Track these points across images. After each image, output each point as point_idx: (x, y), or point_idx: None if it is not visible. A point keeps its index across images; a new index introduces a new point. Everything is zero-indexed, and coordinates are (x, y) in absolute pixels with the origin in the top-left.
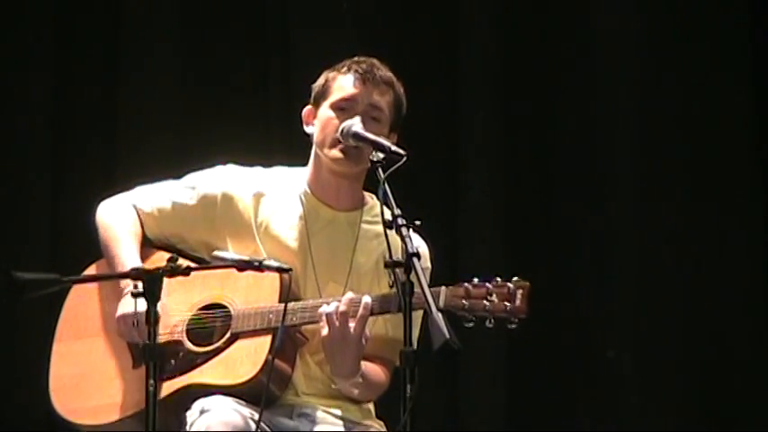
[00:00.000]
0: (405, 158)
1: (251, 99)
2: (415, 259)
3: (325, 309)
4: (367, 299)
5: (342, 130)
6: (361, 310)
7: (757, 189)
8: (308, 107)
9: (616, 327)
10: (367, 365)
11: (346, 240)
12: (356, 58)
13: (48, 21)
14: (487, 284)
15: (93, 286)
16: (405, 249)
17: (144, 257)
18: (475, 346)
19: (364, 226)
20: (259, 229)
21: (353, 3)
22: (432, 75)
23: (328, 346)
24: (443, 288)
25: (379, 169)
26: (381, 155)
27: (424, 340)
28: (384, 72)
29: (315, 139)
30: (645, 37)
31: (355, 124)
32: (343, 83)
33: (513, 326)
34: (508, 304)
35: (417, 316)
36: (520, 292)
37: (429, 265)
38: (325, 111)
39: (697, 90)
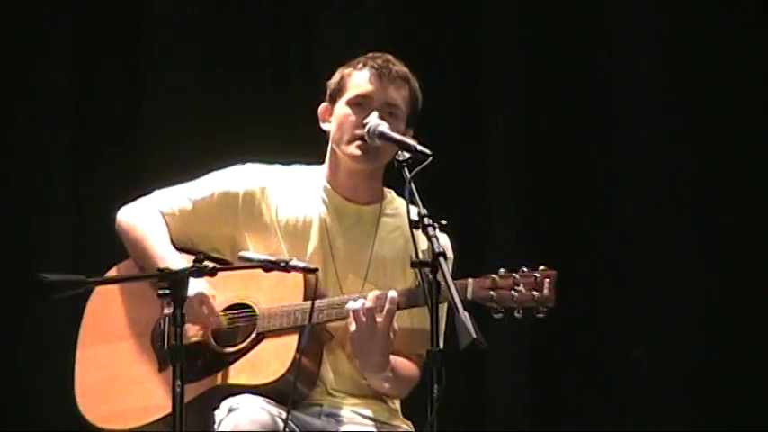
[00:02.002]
0: (431, 158)
1: (272, 99)
2: (441, 259)
3: (351, 305)
4: (393, 293)
5: (368, 130)
6: (387, 305)
7: None
8: (324, 104)
9: (639, 326)
10: (396, 359)
11: (366, 234)
12: (371, 54)
13: (68, 23)
14: (514, 275)
15: (114, 289)
16: (431, 249)
17: None
18: (499, 345)
19: (384, 219)
20: (279, 225)
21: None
22: (456, 72)
23: (356, 342)
24: (470, 280)
25: (405, 169)
26: (407, 154)
27: (450, 338)
28: (399, 67)
29: (331, 135)
30: (666, 41)
31: (381, 124)
32: (358, 79)
33: (542, 315)
34: (536, 293)
35: (442, 309)
36: (547, 280)
37: (451, 255)
38: (341, 107)
39: (718, 93)
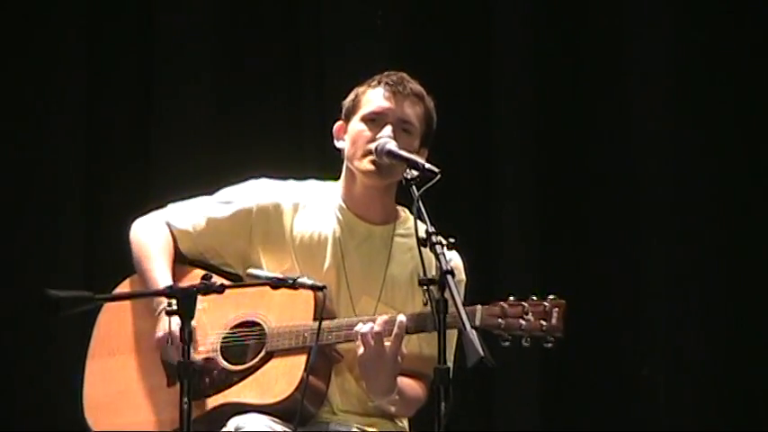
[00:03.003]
0: (439, 176)
1: (284, 114)
2: (449, 277)
3: (360, 328)
4: (402, 318)
5: (376, 148)
6: (396, 330)
7: None
8: (339, 123)
9: (650, 347)
10: (403, 381)
11: (380, 254)
12: (386, 72)
13: (81, 38)
14: (523, 303)
15: (126, 302)
16: (439, 267)
17: (178, 275)
18: (509, 368)
19: (398, 239)
20: (294, 242)
21: (386, 18)
22: (464, 91)
23: (364, 365)
24: (479, 307)
25: (413, 187)
26: (415, 172)
27: (460, 360)
28: (414, 85)
29: (346, 152)
30: (679, 46)
31: (389, 142)
32: (372, 96)
33: (550, 345)
34: (544, 323)
35: (452, 335)
36: (556, 310)
37: (463, 277)
38: (355, 124)
39: (731, 110)
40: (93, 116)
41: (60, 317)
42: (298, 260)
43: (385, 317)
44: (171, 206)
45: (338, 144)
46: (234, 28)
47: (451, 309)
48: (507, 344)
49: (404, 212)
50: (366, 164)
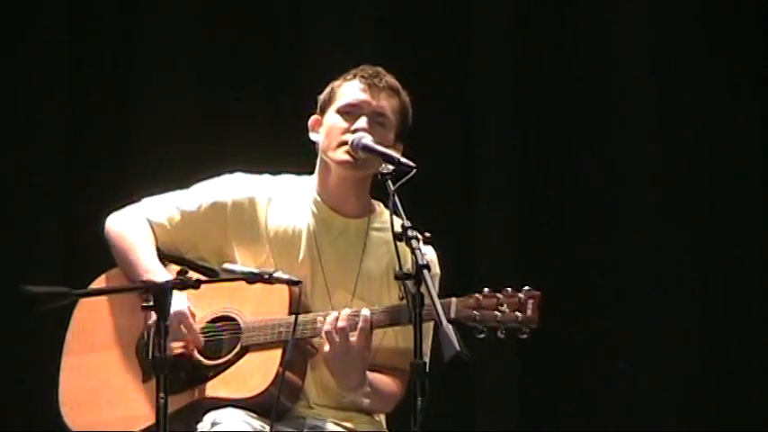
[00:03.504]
0: (414, 170)
1: (263, 108)
2: (425, 271)
3: (324, 325)
4: (366, 312)
5: (352, 143)
6: (360, 323)
7: None
8: (314, 116)
9: (629, 339)
10: (376, 376)
11: (355, 247)
12: (362, 66)
13: (61, 34)
14: (498, 295)
15: (102, 298)
16: (415, 261)
17: None
18: (488, 359)
19: (373, 233)
20: (268, 236)
21: (367, 12)
22: (445, 86)
23: (331, 361)
24: (454, 299)
25: (389, 181)
26: (391, 167)
27: (436, 352)
28: (390, 78)
29: (321, 145)
30: (661, 49)
31: (365, 137)
32: (348, 89)
33: (525, 336)
34: (519, 314)
35: (428, 327)
36: (531, 301)
37: (438, 271)
38: (330, 116)
39: (716, 100)
40: (71, 111)
41: (37, 312)
42: (273, 254)
43: (348, 310)
44: (146, 200)
45: (313, 137)
46: (213, 22)
47: (427, 302)
48: (483, 336)
49: (379, 206)
50: (340, 154)
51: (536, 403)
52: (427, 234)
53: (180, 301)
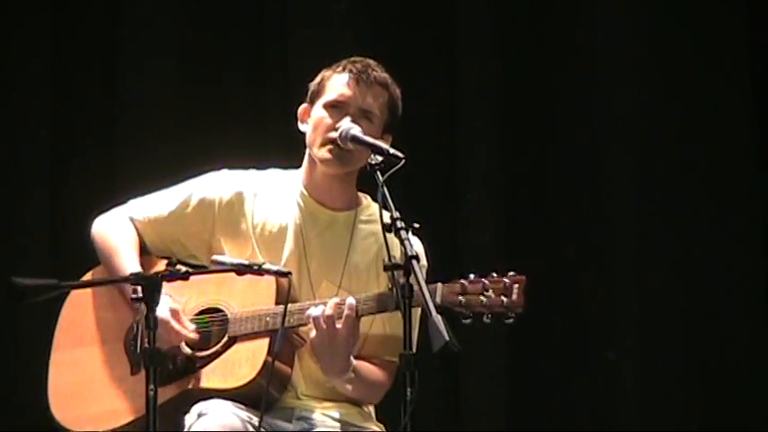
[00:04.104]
0: (403, 161)
1: (248, 100)
2: (414, 262)
3: (312, 312)
4: (351, 300)
5: (341, 134)
6: (346, 311)
7: (758, 195)
8: (304, 105)
9: (617, 328)
10: (363, 364)
11: (341, 240)
12: (353, 58)
13: (46, 31)
14: (483, 280)
15: (89, 294)
16: (404, 252)
17: (144, 266)
18: (475, 347)
19: (359, 225)
20: (255, 230)
21: (352, 6)
22: (430, 76)
23: (317, 347)
24: (439, 285)
25: (378, 172)
26: (379, 158)
27: (424, 340)
28: (379, 73)
29: (307, 138)
30: (645, 47)
31: (353, 128)
32: (336, 82)
33: (511, 320)
34: (505, 299)
35: (416, 314)
36: (516, 286)
37: (425, 262)
38: (318, 110)
39: (697, 97)
40: (56, 109)
41: (26, 304)
42: (259, 248)
43: (336, 299)
44: (132, 201)
45: (302, 127)
46: (199, 13)
47: (415, 291)
48: (468, 321)
49: (366, 199)
50: (324, 152)
51: (523, 394)
52: (416, 225)
53: (162, 308)
